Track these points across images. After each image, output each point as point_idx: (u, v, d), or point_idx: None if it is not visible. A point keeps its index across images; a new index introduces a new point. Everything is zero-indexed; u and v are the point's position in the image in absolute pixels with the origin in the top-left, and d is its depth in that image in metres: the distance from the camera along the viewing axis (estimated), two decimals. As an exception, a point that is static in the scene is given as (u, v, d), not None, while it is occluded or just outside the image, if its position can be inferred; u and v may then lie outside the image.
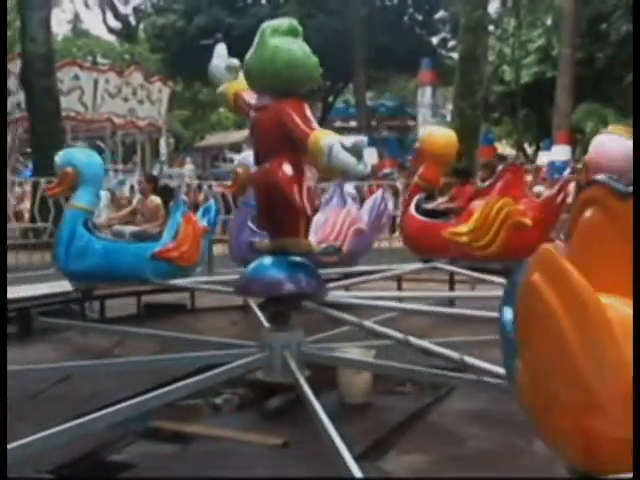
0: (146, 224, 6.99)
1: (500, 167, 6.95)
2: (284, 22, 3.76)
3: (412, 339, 3.40)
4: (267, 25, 3.78)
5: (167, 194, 7.32)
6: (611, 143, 5.63)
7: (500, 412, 3.68)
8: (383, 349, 4.27)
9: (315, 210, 5.83)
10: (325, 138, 3.37)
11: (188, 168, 21.05)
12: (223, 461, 3.19)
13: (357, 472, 2.48)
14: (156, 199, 7.17)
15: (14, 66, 14.60)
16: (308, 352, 4.02)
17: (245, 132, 19.92)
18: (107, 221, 7.48)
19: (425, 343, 3.42)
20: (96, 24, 39.53)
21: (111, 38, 37.20)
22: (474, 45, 16.13)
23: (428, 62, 21.18)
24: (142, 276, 5.88)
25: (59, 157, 5.86)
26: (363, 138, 3.36)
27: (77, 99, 16.72)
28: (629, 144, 5.32)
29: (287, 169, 3.70)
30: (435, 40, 30.59)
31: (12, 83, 15.05)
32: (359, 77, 26.41)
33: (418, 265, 6.49)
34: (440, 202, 7.41)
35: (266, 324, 4.42)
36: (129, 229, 6.91)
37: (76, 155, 5.91)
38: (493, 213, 6.08)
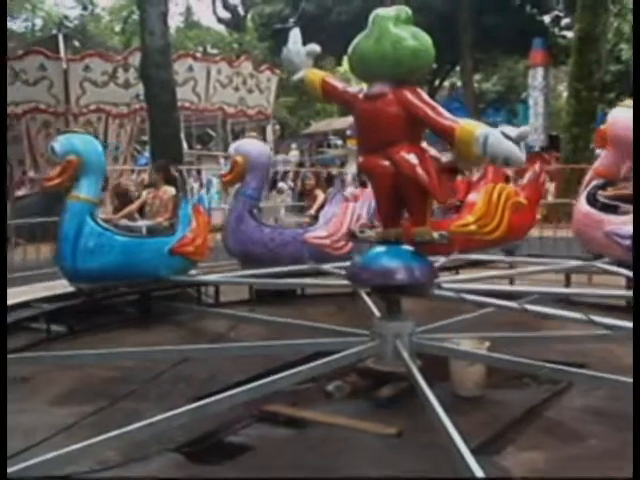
0: (155, 217, 6.59)
1: None
2: (400, 10, 3.72)
3: (596, 318, 3.35)
4: (381, 13, 3.74)
5: (175, 184, 6.92)
6: (629, 116, 5.51)
7: (620, 410, 3.53)
8: (501, 340, 4.21)
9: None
10: (479, 129, 3.46)
11: (293, 154, 21.33)
12: (338, 447, 3.21)
13: (475, 466, 2.43)
14: (170, 189, 6.66)
15: (134, 59, 15.28)
16: (420, 342, 3.99)
17: (349, 119, 19.94)
18: (117, 217, 7.02)
19: (613, 321, 3.35)
20: (206, 15, 40.71)
21: (220, 28, 38.21)
22: (593, 24, 15.34)
23: (540, 42, 20.35)
24: (157, 273, 5.60)
25: (59, 144, 5.27)
26: (527, 128, 3.53)
27: (191, 90, 17.24)
28: None
29: (416, 157, 3.71)
30: (547, 19, 29.38)
31: (132, 76, 15.79)
32: (466, 59, 25.80)
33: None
34: None
35: (377, 312, 4.42)
36: (143, 223, 6.44)
37: (78, 142, 5.33)
38: (495, 197, 6.53)
